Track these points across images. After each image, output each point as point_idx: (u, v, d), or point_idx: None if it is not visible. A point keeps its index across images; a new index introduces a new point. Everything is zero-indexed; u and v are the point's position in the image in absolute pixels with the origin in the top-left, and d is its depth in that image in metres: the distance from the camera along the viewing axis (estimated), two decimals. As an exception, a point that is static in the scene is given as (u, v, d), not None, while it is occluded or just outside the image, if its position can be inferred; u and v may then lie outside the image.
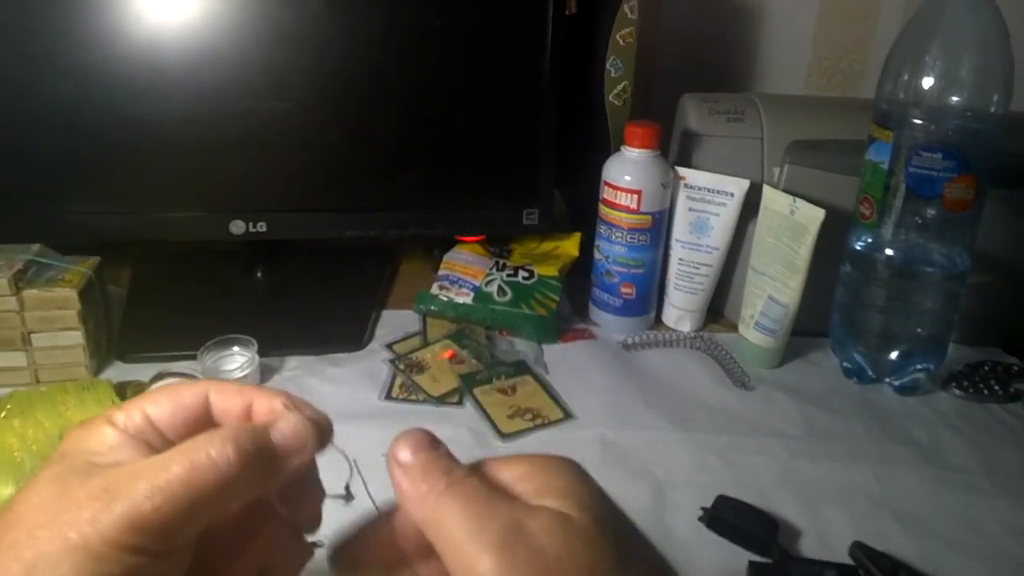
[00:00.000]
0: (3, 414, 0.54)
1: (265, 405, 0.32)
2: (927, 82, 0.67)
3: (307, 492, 0.33)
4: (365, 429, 0.65)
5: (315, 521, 0.34)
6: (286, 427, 0.30)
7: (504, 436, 0.67)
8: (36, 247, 0.69)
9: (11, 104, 0.71)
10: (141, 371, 0.70)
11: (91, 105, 0.72)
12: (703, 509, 0.57)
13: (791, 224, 0.75)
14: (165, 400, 0.32)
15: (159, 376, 0.61)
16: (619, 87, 0.91)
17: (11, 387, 0.66)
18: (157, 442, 0.31)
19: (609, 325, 0.86)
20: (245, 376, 0.69)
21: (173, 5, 0.71)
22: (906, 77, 0.68)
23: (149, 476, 0.27)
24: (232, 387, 0.33)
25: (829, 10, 1.10)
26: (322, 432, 0.31)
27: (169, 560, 0.27)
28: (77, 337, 0.67)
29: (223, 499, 0.28)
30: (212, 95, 0.74)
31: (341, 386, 0.72)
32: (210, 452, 0.28)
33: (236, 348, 0.71)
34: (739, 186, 0.81)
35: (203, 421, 0.32)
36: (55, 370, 0.67)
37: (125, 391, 0.61)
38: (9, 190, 0.73)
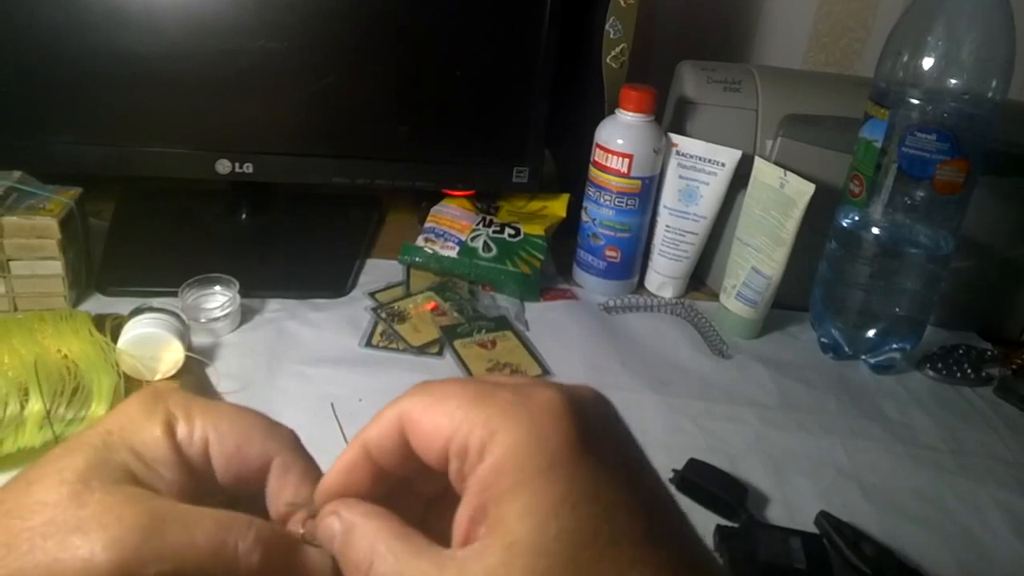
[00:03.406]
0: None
1: (305, 513, 0.30)
2: (927, 63, 0.67)
3: None
4: (344, 374, 0.66)
5: None
6: (317, 560, 0.29)
7: (482, 390, 0.67)
8: (17, 174, 0.68)
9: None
10: (120, 304, 0.69)
11: (78, 34, 0.70)
12: (674, 471, 0.58)
13: (780, 197, 0.75)
14: (232, 442, 0.30)
15: (138, 310, 0.60)
16: (617, 49, 0.90)
17: (-12, 313, 0.65)
18: (202, 473, 0.30)
19: (592, 287, 0.86)
20: (226, 315, 0.68)
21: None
22: (906, 57, 0.68)
23: (172, 535, 0.25)
24: (296, 475, 0.31)
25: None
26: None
27: None
28: (56, 267, 0.66)
29: None
30: (203, 31, 0.72)
31: (322, 331, 0.72)
32: (239, 544, 0.26)
33: (218, 287, 0.71)
34: (731, 156, 0.80)
35: (255, 481, 0.31)
36: (33, 299, 0.67)
37: (104, 323, 0.61)
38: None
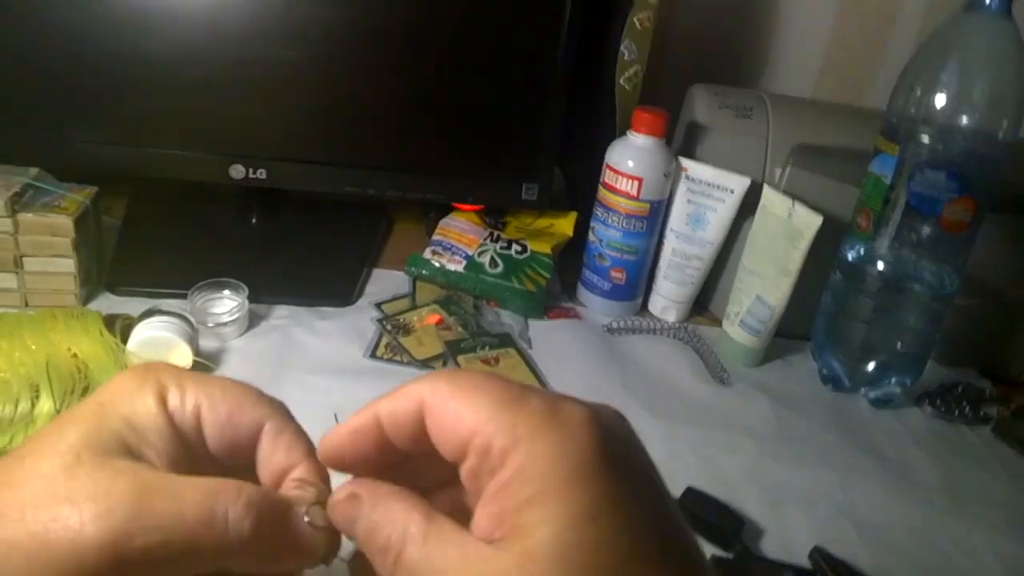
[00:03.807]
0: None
1: (301, 475, 0.30)
2: (939, 100, 0.67)
3: None
4: (348, 385, 0.66)
5: None
6: (310, 523, 0.29)
7: (483, 407, 0.67)
8: (34, 171, 0.69)
9: (22, 25, 0.70)
10: (129, 304, 0.70)
11: (102, 34, 0.71)
12: (671, 499, 0.58)
13: (787, 227, 0.76)
14: (224, 408, 0.30)
15: (149, 312, 0.61)
16: (631, 71, 0.91)
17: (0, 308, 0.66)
18: (194, 442, 0.30)
19: (596, 307, 0.86)
20: (234, 320, 0.69)
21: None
22: (919, 93, 0.69)
23: (159, 506, 0.26)
24: (288, 438, 0.31)
25: (846, 16, 1.10)
26: (335, 546, 0.30)
27: None
28: (69, 265, 0.66)
29: (213, 562, 0.27)
30: (226, 37, 0.73)
31: (327, 340, 0.72)
32: (229, 513, 0.26)
33: (227, 292, 0.71)
34: (740, 183, 0.81)
35: (247, 448, 0.31)
36: (45, 295, 0.67)
37: (114, 323, 0.61)
38: (13, 110, 0.73)
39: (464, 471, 0.27)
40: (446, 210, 0.93)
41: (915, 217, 0.71)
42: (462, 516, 0.27)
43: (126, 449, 0.27)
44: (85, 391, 0.53)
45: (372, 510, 0.28)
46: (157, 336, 0.59)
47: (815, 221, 0.73)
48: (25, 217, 0.64)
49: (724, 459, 0.66)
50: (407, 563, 0.26)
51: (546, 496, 0.25)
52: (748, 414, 0.73)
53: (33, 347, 0.54)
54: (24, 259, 0.66)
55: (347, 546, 0.30)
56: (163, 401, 0.29)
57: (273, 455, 0.31)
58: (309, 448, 0.31)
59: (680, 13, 1.08)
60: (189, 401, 0.30)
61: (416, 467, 0.31)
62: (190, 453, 0.30)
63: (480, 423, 0.26)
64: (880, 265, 0.73)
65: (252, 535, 0.27)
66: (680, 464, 0.64)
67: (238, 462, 0.31)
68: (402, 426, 0.28)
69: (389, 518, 0.27)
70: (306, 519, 0.29)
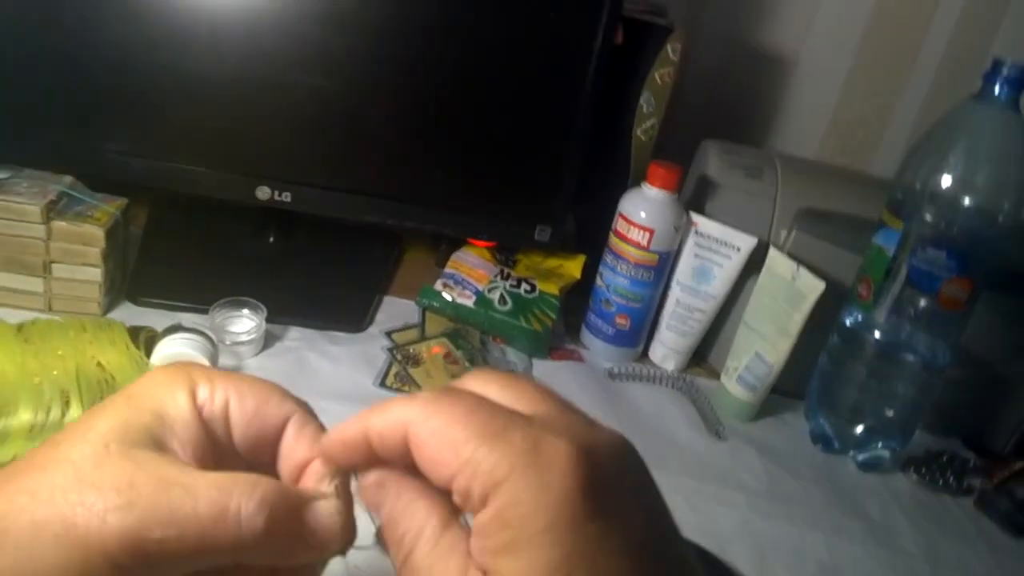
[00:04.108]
0: (24, 339, 0.56)
1: (320, 472, 0.31)
2: (944, 182, 0.70)
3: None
4: (358, 412, 0.68)
5: None
6: (325, 516, 0.29)
7: (487, 444, 0.69)
8: (68, 179, 0.70)
9: (66, 37, 0.72)
10: (147, 315, 0.72)
11: (143, 51, 0.73)
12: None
13: (791, 289, 0.78)
14: (252, 402, 0.31)
15: (173, 329, 0.63)
16: (648, 123, 0.94)
17: (23, 310, 0.68)
18: (222, 436, 0.31)
19: (598, 350, 0.88)
20: (251, 341, 0.71)
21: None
22: (925, 173, 0.71)
23: (176, 501, 0.26)
24: (311, 431, 0.31)
25: (855, 79, 1.13)
26: (350, 537, 0.30)
27: None
28: (96, 274, 0.68)
29: (225, 557, 0.27)
30: (263, 63, 0.75)
31: (338, 365, 0.74)
32: (242, 509, 0.27)
33: (246, 311, 0.73)
34: (747, 242, 0.83)
35: (271, 442, 0.31)
36: (69, 301, 0.69)
37: (138, 336, 0.63)
38: (51, 119, 0.75)
39: (454, 500, 0.27)
40: (457, 241, 0.95)
41: (914, 291, 0.73)
42: None
43: (153, 442, 0.28)
44: (111, 403, 0.55)
45: (396, 500, 0.28)
46: (180, 353, 0.60)
47: (818, 286, 0.76)
48: (59, 225, 0.66)
49: (717, 513, 0.68)
50: (413, 564, 0.27)
51: (521, 545, 0.25)
52: (741, 469, 0.75)
53: (61, 353, 0.56)
54: (53, 265, 0.67)
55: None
56: (193, 395, 0.30)
57: (296, 447, 0.31)
58: (330, 446, 0.31)
59: (693, 66, 1.11)
60: (218, 395, 0.30)
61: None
62: (217, 447, 0.30)
63: (460, 465, 0.26)
64: (877, 334, 0.76)
65: (266, 530, 0.27)
66: (674, 515, 0.66)
67: (264, 457, 0.32)
68: (391, 449, 0.28)
69: (410, 514, 0.28)
70: (321, 513, 0.29)
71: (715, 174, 0.89)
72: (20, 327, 0.58)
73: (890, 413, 0.79)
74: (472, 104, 0.82)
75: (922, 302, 0.74)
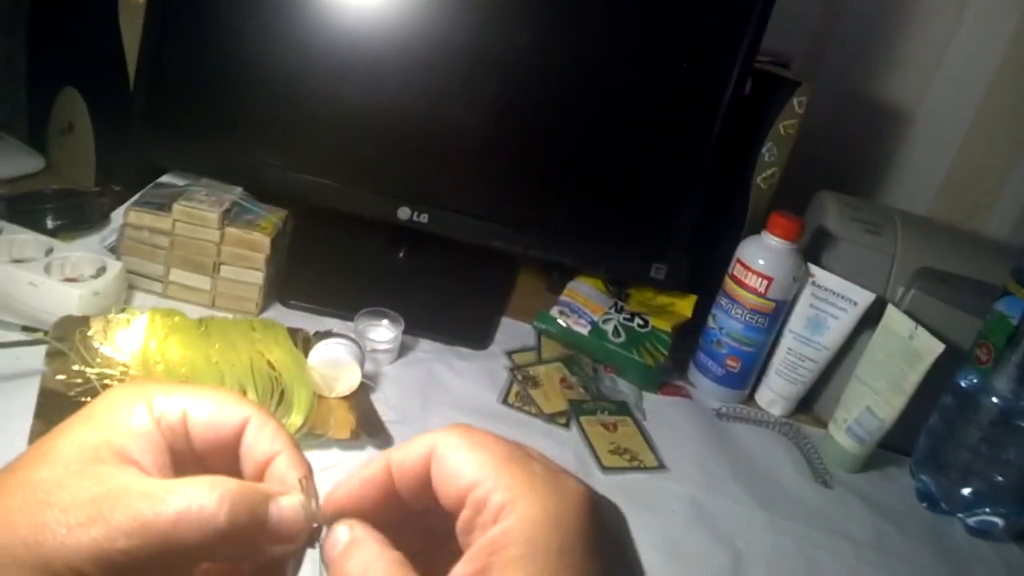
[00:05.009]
0: (203, 329, 0.62)
1: (284, 468, 0.31)
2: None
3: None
4: (484, 426, 0.71)
5: None
6: (288, 508, 0.29)
7: (605, 469, 0.73)
8: (239, 190, 0.77)
9: (243, 66, 0.80)
10: (293, 316, 0.78)
11: (309, 78, 0.80)
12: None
13: (907, 348, 0.79)
14: (210, 408, 0.32)
15: (326, 334, 0.68)
16: (768, 172, 0.96)
17: (192, 304, 0.74)
18: (181, 447, 0.31)
19: (705, 389, 0.91)
20: (389, 350, 0.75)
21: (410, 15, 0.79)
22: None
23: (137, 510, 0.27)
24: (271, 430, 0.32)
25: (974, 138, 1.12)
26: (314, 533, 0.30)
27: None
28: (258, 278, 0.74)
29: (194, 558, 0.28)
30: (414, 97, 0.82)
31: (464, 379, 0.79)
32: (203, 508, 0.27)
33: (386, 321, 0.78)
34: (864, 297, 0.85)
35: (231, 445, 0.32)
36: (231, 300, 0.75)
37: (296, 339, 0.68)
38: (227, 136, 0.83)
39: (459, 523, 0.28)
40: (568, 269, 0.98)
41: (1036, 360, 0.74)
42: None
43: (114, 456, 0.29)
44: (281, 396, 0.60)
45: (353, 542, 0.29)
46: (337, 356, 0.66)
47: (936, 348, 0.77)
48: (231, 231, 0.72)
49: (825, 560, 0.69)
50: None
51: (530, 561, 0.25)
52: (847, 519, 0.76)
53: (239, 348, 0.62)
54: (222, 266, 0.74)
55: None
56: (151, 407, 0.31)
57: (256, 445, 0.31)
58: (290, 439, 0.32)
59: (809, 117, 1.13)
60: (176, 404, 0.31)
61: (422, 516, 0.31)
62: (179, 457, 0.31)
63: (482, 476, 0.27)
64: (995, 399, 0.76)
65: (228, 526, 0.27)
66: (784, 557, 0.68)
67: (226, 462, 0.32)
68: (410, 473, 0.29)
69: (361, 552, 0.29)
70: (284, 506, 0.29)
71: (833, 227, 0.90)
72: (200, 322, 0.65)
73: (1000, 478, 0.79)
74: (603, 145, 0.87)
75: (1043, 372, 0.74)
